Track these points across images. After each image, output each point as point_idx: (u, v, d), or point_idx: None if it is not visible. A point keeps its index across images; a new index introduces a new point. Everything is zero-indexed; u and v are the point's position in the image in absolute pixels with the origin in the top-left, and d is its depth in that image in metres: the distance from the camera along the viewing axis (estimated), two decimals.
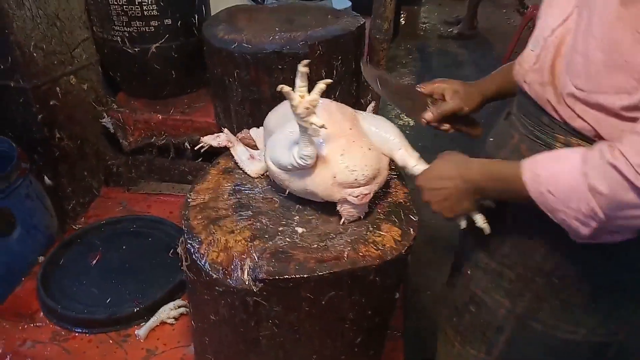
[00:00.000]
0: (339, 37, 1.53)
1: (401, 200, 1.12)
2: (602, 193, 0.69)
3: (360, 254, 0.95)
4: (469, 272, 1.09)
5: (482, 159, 0.93)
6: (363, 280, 0.96)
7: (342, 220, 1.04)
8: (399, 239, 1.01)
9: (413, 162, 1.06)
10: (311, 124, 0.85)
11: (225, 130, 1.20)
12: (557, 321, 0.95)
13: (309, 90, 0.85)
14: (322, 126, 0.84)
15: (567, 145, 0.84)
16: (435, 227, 2.37)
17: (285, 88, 0.79)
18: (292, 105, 0.82)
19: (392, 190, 1.15)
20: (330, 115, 1.01)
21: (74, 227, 1.86)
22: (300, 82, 0.81)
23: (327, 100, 1.07)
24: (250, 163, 1.16)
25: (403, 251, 0.99)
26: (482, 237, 0.97)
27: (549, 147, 0.87)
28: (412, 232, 1.03)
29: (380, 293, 1.04)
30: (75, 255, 1.68)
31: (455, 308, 1.16)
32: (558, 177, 0.75)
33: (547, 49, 0.84)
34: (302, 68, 0.79)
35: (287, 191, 1.06)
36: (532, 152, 0.89)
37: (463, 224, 0.99)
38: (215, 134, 1.21)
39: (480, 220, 0.96)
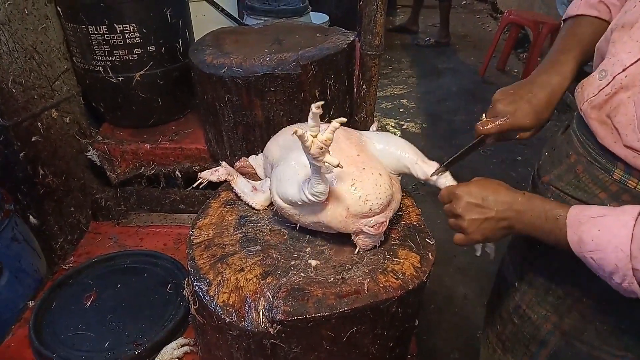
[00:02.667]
0: (332, 56, 1.49)
1: (415, 223, 1.08)
2: None
3: (381, 285, 0.91)
4: (516, 284, 1.06)
5: (528, 194, 0.88)
6: (385, 312, 0.91)
7: (357, 249, 0.99)
8: (419, 265, 0.96)
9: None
10: (324, 162, 0.80)
11: (224, 163, 1.15)
12: (602, 344, 0.92)
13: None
14: (338, 165, 0.79)
15: (629, 174, 0.81)
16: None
17: (299, 132, 0.74)
18: (304, 147, 0.78)
19: (404, 213, 1.10)
20: (337, 142, 0.97)
21: (63, 267, 1.77)
22: (313, 122, 0.76)
23: None
24: (254, 195, 1.10)
25: (424, 278, 0.94)
26: (531, 252, 0.93)
27: (608, 172, 0.84)
28: (430, 256, 0.99)
29: (401, 323, 0.99)
30: (68, 298, 1.59)
31: (499, 316, 1.14)
32: (603, 251, 0.72)
33: (613, 85, 0.81)
34: (315, 109, 0.74)
35: (298, 225, 1.01)
36: (589, 175, 0.86)
37: (479, 250, 0.97)
38: (214, 168, 1.15)
39: (491, 248, 0.95)
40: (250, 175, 1.22)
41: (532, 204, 0.84)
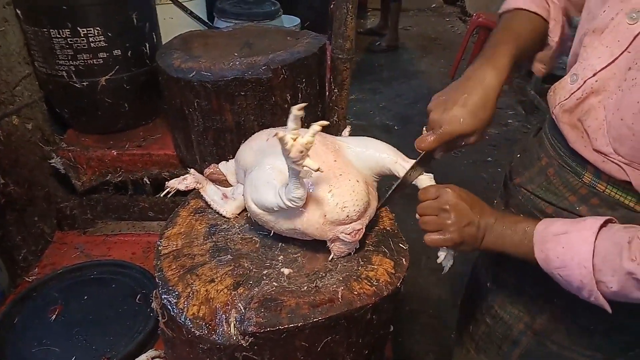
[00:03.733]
0: (302, 59, 1.47)
1: (388, 228, 1.07)
2: (612, 290, 0.71)
3: (355, 292, 0.89)
4: (488, 284, 1.07)
5: (502, 210, 0.88)
6: (360, 320, 0.89)
7: (331, 256, 0.97)
8: (393, 271, 0.95)
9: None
10: (304, 167, 0.78)
11: (192, 170, 1.11)
12: (573, 344, 0.93)
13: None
14: (318, 169, 0.77)
15: (598, 178, 0.82)
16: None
17: (280, 134, 0.72)
18: (284, 150, 0.75)
19: (377, 217, 1.09)
20: (313, 148, 0.94)
21: (27, 279, 1.69)
22: (293, 125, 0.74)
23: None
24: (224, 203, 1.07)
25: (398, 284, 0.93)
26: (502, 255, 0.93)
27: (578, 176, 0.85)
28: (404, 262, 0.98)
29: (376, 330, 0.97)
30: (32, 312, 1.53)
31: (472, 317, 1.15)
32: (568, 267, 0.75)
33: (584, 90, 0.81)
34: (297, 112, 0.72)
35: (271, 232, 0.99)
36: (559, 178, 0.86)
37: (442, 257, 0.98)
38: (182, 177, 1.11)
39: (449, 262, 0.96)
40: (221, 182, 1.19)
41: (504, 218, 0.86)
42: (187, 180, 1.09)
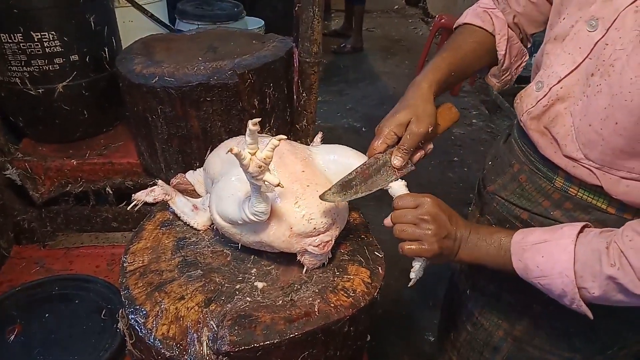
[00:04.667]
0: (270, 64, 1.44)
1: (363, 236, 1.05)
2: (594, 295, 0.71)
3: (332, 304, 0.87)
4: (468, 292, 1.07)
5: (475, 231, 0.86)
6: (337, 333, 0.87)
7: (305, 268, 0.94)
8: (369, 280, 0.93)
9: None
10: (264, 181, 0.75)
11: (160, 182, 1.06)
12: (553, 348, 0.94)
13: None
14: (279, 184, 0.75)
15: (569, 182, 0.82)
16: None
17: (235, 150, 0.69)
18: (242, 165, 0.72)
19: (351, 225, 1.07)
20: (281, 158, 0.92)
21: None
22: (250, 140, 0.71)
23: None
24: (195, 215, 1.03)
25: (375, 294, 0.91)
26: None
27: (550, 181, 0.85)
28: (380, 270, 0.97)
29: (354, 342, 0.95)
30: None
31: (453, 324, 1.15)
32: (549, 276, 0.75)
33: (549, 97, 0.81)
34: (252, 127, 0.69)
35: (240, 244, 0.95)
36: (532, 183, 0.86)
37: (416, 271, 0.95)
38: (149, 188, 1.05)
39: (419, 274, 0.93)
40: (189, 192, 1.14)
41: (479, 229, 0.86)
42: (155, 192, 1.04)
